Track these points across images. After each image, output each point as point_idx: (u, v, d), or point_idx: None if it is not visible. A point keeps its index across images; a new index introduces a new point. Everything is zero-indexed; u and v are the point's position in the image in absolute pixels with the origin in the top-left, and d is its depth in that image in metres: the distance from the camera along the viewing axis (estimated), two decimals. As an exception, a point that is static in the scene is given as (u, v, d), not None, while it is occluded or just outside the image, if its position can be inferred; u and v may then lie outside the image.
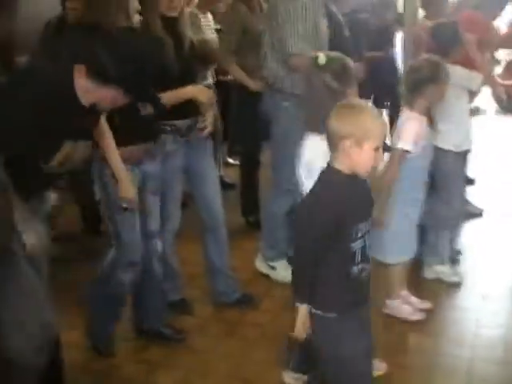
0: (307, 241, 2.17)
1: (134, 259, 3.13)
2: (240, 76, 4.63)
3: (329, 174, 2.21)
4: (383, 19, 6.24)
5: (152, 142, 3.13)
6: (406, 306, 3.63)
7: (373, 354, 2.37)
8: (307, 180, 2.52)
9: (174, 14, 3.31)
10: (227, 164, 6.51)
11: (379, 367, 2.99)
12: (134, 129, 2.99)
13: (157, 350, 3.37)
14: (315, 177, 2.27)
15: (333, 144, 2.18)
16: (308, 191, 2.31)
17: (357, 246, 2.20)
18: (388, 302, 3.65)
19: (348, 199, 2.17)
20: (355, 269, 2.21)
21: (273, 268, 4.17)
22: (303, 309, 2.25)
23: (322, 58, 2.68)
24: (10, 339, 2.10)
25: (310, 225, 2.15)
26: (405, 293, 3.66)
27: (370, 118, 2.15)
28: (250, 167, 5.02)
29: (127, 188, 2.95)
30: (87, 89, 2.39)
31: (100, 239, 4.42)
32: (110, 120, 2.86)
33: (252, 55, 4.42)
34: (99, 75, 2.37)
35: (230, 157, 6.60)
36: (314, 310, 2.25)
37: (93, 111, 2.50)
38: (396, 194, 3.34)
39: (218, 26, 5.09)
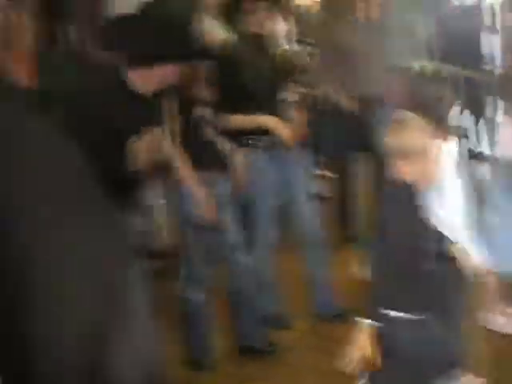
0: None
1: (202, 278, 3.17)
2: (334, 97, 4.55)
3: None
4: None
5: (222, 167, 3.17)
6: (506, 318, 3.46)
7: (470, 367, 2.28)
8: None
9: (259, 30, 3.35)
10: (321, 176, 6.46)
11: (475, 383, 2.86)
12: (203, 155, 3.04)
13: (251, 363, 3.37)
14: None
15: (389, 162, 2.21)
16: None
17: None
18: (487, 315, 3.45)
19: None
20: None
21: None
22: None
23: (417, 67, 2.64)
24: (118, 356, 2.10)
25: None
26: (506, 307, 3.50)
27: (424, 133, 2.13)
28: (342, 179, 4.97)
29: (204, 206, 3.00)
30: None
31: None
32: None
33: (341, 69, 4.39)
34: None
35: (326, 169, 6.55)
36: None
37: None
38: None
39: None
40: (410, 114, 2.23)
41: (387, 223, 2.21)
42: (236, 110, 3.36)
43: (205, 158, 3.05)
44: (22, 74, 0.93)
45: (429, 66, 2.67)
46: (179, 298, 3.23)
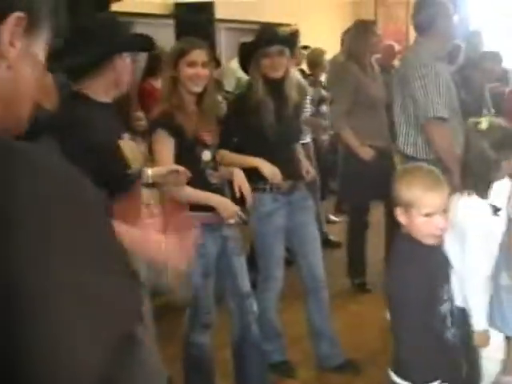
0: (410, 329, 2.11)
1: (209, 321, 3.11)
2: (352, 143, 4.57)
3: (404, 243, 2.18)
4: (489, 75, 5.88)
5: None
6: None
7: None
8: (458, 242, 2.46)
9: (277, 75, 3.35)
10: (330, 221, 6.47)
11: None
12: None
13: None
14: (465, 239, 2.24)
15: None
16: (392, 265, 2.26)
17: (445, 308, 2.15)
18: (504, 379, 3.36)
19: (427, 269, 2.13)
20: (449, 334, 2.15)
21: None
22: None
23: (484, 123, 2.61)
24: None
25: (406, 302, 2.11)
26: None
27: (418, 185, 2.10)
28: (357, 227, 4.94)
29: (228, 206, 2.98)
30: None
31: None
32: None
33: (365, 117, 4.41)
34: None
35: (335, 214, 6.57)
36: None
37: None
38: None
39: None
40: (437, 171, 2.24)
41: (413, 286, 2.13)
42: (245, 152, 3.37)
43: None
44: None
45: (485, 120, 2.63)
46: (184, 340, 3.18)
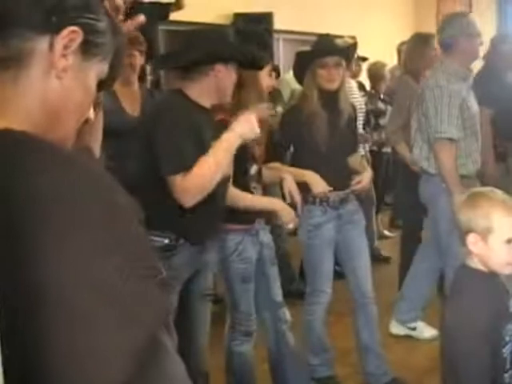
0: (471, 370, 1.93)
1: (250, 329, 3.09)
2: (407, 158, 4.49)
3: (465, 276, 2.05)
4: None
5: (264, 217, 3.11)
6: None
7: None
8: None
9: (333, 87, 3.33)
10: (384, 236, 6.39)
11: None
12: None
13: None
14: None
15: (461, 239, 2.01)
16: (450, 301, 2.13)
17: (507, 350, 1.97)
18: None
19: (490, 303, 1.97)
20: (506, 376, 1.98)
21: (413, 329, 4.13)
22: None
23: None
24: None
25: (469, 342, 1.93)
26: None
27: (497, 209, 1.95)
28: (410, 243, 4.85)
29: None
30: None
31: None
32: None
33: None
34: None
35: (389, 229, 6.49)
36: None
37: None
38: None
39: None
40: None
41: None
42: (298, 164, 3.36)
43: (252, 212, 3.00)
44: None
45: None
46: (225, 350, 3.18)
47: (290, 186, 3.12)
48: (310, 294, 3.51)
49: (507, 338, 1.98)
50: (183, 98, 2.55)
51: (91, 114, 1.00)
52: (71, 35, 0.87)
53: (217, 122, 2.94)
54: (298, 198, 3.13)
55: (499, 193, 2.07)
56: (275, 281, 3.20)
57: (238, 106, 2.89)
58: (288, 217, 2.97)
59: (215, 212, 2.66)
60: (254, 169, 3.05)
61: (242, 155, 2.95)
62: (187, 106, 2.55)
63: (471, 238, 1.97)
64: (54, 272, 0.72)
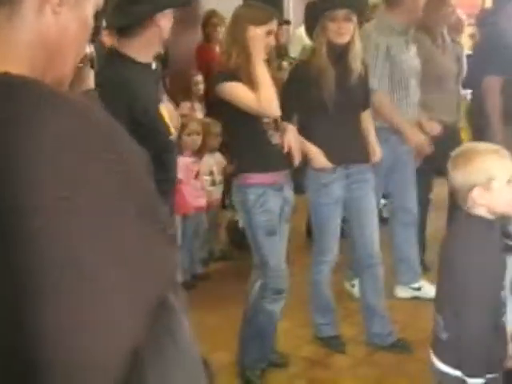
0: (480, 311, 2.01)
1: (281, 286, 3.09)
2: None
3: (472, 223, 2.10)
4: None
5: (288, 169, 3.10)
6: None
7: None
8: None
9: (343, 41, 3.24)
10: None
11: None
12: (271, 156, 3.00)
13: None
14: None
15: (462, 197, 2.10)
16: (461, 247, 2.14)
17: (503, 295, 2.08)
18: None
19: (496, 248, 2.07)
20: (502, 321, 2.07)
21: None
22: None
23: None
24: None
25: (475, 294, 2.02)
26: None
27: (491, 158, 2.05)
28: (419, 205, 4.79)
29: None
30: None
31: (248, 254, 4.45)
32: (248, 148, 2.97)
33: (434, 89, 4.25)
34: None
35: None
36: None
37: None
38: None
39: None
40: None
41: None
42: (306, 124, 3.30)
43: (271, 159, 3.02)
44: None
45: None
46: (251, 306, 3.15)
47: (291, 141, 3.08)
48: (318, 253, 3.48)
49: (503, 283, 2.09)
50: (123, 61, 2.40)
51: (87, 49, 0.97)
52: None
53: (222, 71, 3.01)
54: (296, 153, 3.09)
55: (482, 144, 2.23)
56: (284, 238, 3.21)
57: (235, 60, 2.93)
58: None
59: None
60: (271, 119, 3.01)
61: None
62: (128, 74, 2.37)
63: (476, 192, 2.04)
64: (62, 225, 0.67)
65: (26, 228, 0.67)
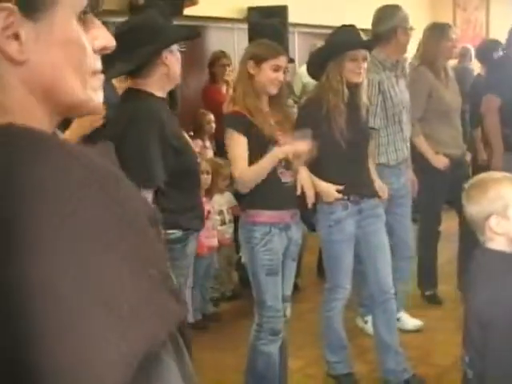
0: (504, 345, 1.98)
1: (277, 326, 3.06)
2: (425, 150, 4.43)
3: (491, 259, 2.07)
4: None
5: (296, 208, 3.09)
6: None
7: None
8: None
9: (359, 80, 3.29)
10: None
11: None
12: (280, 194, 2.99)
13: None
14: None
15: (479, 228, 2.09)
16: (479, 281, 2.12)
17: None
18: None
19: None
20: None
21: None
22: None
23: None
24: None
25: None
26: None
27: (505, 185, 2.05)
28: (429, 237, 4.78)
29: None
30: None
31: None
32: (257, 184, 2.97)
33: (438, 124, 4.27)
34: None
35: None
36: None
37: None
38: None
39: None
40: None
41: None
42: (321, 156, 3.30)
43: (280, 198, 3.00)
44: None
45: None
46: (250, 348, 3.13)
47: (304, 181, 3.09)
48: (330, 290, 3.45)
49: None
50: (145, 99, 2.52)
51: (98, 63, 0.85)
52: (4, 12, 0.73)
53: (232, 113, 3.02)
54: (309, 193, 3.10)
55: (495, 173, 2.25)
56: (291, 276, 3.20)
57: (242, 97, 2.98)
58: (288, 150, 2.95)
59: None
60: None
61: (259, 137, 2.94)
62: (153, 105, 2.52)
63: (493, 220, 2.03)
64: (61, 273, 0.65)
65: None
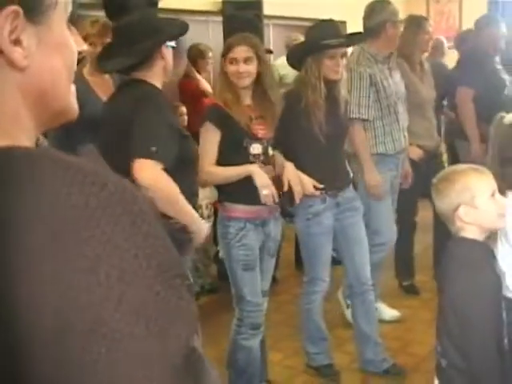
0: (484, 337, 2.01)
1: (258, 321, 3.07)
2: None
3: (465, 247, 2.13)
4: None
5: (275, 204, 3.07)
6: None
7: None
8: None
9: (338, 77, 3.30)
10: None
11: None
12: (256, 189, 2.94)
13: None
14: None
15: (450, 220, 2.15)
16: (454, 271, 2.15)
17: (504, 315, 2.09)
18: None
19: (492, 270, 2.10)
20: (506, 342, 2.07)
21: None
22: None
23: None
24: None
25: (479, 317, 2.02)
26: None
27: (472, 175, 2.12)
28: (405, 228, 4.82)
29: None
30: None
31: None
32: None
33: (414, 116, 4.30)
34: None
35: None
36: None
37: None
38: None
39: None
40: None
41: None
42: (299, 149, 3.31)
43: (257, 193, 2.96)
44: None
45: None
46: (231, 343, 3.14)
47: (290, 175, 3.10)
48: (309, 282, 3.47)
49: (503, 303, 2.11)
50: (151, 86, 2.56)
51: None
52: (11, 15, 0.71)
53: (211, 105, 3.06)
54: (297, 188, 3.11)
55: (462, 165, 2.29)
56: (268, 272, 3.21)
57: (219, 91, 3.06)
58: (261, 181, 2.93)
59: None
60: (256, 147, 2.99)
61: (235, 130, 2.94)
62: (158, 93, 2.58)
63: (462, 211, 2.09)
64: (80, 293, 0.64)
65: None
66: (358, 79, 3.82)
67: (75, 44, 0.83)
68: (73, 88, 0.84)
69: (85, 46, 0.87)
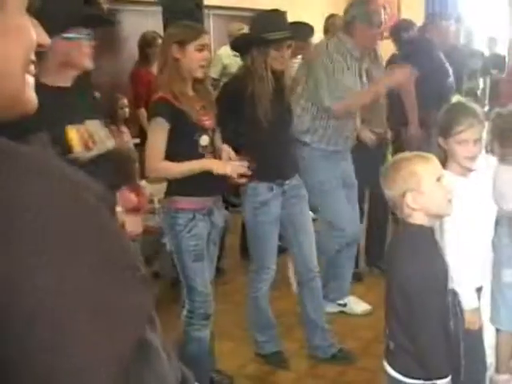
0: (431, 320, 2.06)
1: (209, 311, 3.07)
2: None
3: (411, 232, 2.17)
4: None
5: (221, 194, 3.08)
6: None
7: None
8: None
9: (283, 67, 3.31)
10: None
11: None
12: (204, 181, 2.92)
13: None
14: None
15: (398, 207, 2.18)
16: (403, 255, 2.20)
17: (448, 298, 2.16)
18: (496, 377, 3.06)
19: (438, 254, 2.16)
20: (451, 325, 2.14)
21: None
22: None
23: None
24: None
25: (424, 292, 2.06)
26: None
27: (416, 162, 2.16)
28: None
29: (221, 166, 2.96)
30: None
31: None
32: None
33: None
34: None
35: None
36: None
37: None
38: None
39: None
40: None
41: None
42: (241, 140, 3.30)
43: (206, 185, 2.95)
44: None
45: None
46: (182, 334, 3.11)
47: (230, 153, 3.08)
48: (256, 271, 3.48)
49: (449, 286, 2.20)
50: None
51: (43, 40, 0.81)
52: None
53: (157, 100, 2.94)
54: (229, 170, 3.05)
55: (407, 153, 2.32)
56: (212, 261, 3.19)
57: (167, 82, 2.92)
58: (221, 168, 2.93)
59: None
60: (204, 139, 2.97)
61: (186, 124, 2.90)
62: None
63: (409, 197, 2.12)
64: (29, 283, 0.63)
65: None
66: (330, 62, 3.80)
67: (40, 36, 0.81)
68: (30, 79, 0.80)
69: (48, 40, 0.83)
